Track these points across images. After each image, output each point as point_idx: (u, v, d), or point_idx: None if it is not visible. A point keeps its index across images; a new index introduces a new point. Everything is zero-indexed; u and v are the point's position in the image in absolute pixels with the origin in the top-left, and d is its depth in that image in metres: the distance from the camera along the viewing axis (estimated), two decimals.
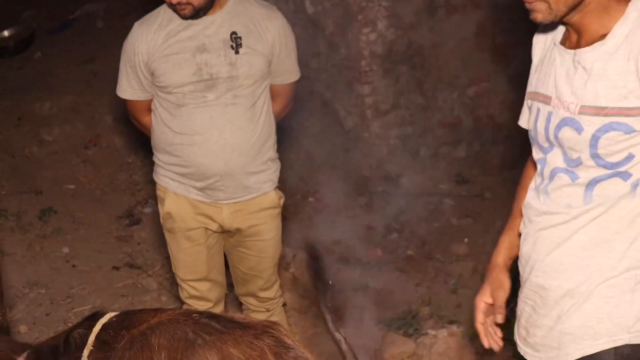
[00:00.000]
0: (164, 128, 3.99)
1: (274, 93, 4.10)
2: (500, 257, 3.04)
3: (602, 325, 2.68)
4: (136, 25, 3.99)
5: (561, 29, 2.75)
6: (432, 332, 5.00)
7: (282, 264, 5.04)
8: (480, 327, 3.02)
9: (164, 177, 4.08)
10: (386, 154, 6.92)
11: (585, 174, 2.63)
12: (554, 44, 2.73)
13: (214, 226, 4.07)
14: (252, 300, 4.42)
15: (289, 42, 4.06)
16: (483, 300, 3.02)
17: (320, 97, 7.12)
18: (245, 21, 3.92)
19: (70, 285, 5.91)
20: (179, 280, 4.27)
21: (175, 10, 3.85)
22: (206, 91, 3.85)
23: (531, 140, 2.84)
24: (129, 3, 9.11)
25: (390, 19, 6.66)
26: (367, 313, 5.19)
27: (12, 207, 6.72)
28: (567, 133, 2.62)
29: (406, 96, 7.00)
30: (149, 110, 4.07)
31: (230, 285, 4.45)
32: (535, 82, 2.82)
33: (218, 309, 4.27)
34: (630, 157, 2.57)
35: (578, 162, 2.63)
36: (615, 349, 2.66)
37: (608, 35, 2.56)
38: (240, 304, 4.52)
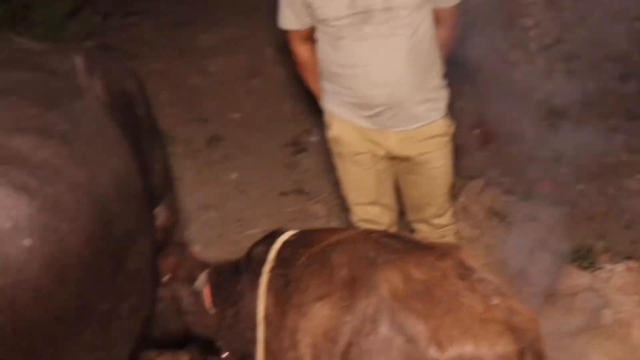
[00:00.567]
0: (327, 59, 4.00)
1: (436, 19, 4.03)
2: None
3: None
4: None
5: None
6: (608, 266, 4.89)
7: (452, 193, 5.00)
8: None
9: (331, 104, 4.11)
10: (552, 88, 6.75)
11: None
12: None
13: (381, 152, 4.08)
14: (424, 227, 4.41)
15: None
16: None
17: (482, 30, 6.97)
18: None
19: (240, 209, 6.04)
20: (349, 204, 4.32)
21: None
22: (362, 24, 3.82)
23: None
24: None
25: None
26: (539, 245, 5.12)
27: (181, 134, 6.84)
28: None
29: (571, 29, 6.78)
30: (308, 40, 4.09)
31: (401, 213, 4.46)
32: None
33: None
34: None
35: None
36: None
37: None
38: (412, 231, 4.52)
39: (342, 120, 4.07)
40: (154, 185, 3.53)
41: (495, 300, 2.77)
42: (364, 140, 4.06)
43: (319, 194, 6.04)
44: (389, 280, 2.84)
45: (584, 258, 5.03)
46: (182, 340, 4.02)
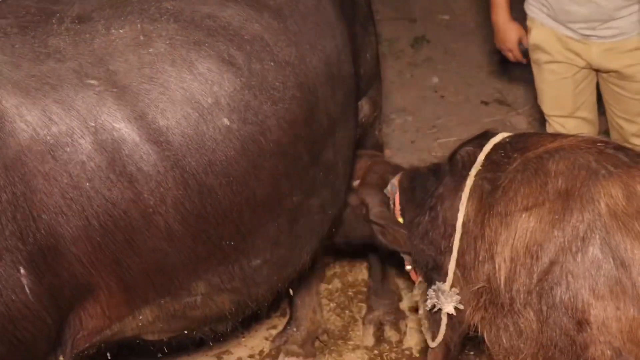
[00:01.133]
0: None
1: None
2: None
3: None
4: None
5: None
6: None
7: None
8: None
9: (532, 7, 3.90)
10: None
11: None
12: None
13: (580, 63, 3.84)
14: None
15: None
16: None
17: None
18: None
19: (437, 116, 5.83)
20: (545, 116, 4.09)
21: None
22: None
23: None
24: None
25: None
26: None
27: (386, 33, 6.65)
28: None
29: None
30: None
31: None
32: None
33: None
34: None
35: None
36: None
37: None
38: None
39: (542, 26, 3.89)
40: (362, 75, 3.31)
41: None
42: (563, 49, 3.85)
43: (521, 105, 5.72)
44: (609, 194, 2.54)
45: None
46: (362, 249, 3.89)
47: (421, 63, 6.42)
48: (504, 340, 2.66)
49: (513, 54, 3.98)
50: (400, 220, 3.17)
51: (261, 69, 2.54)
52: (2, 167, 2.23)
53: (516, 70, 6.00)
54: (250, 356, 3.93)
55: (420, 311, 3.06)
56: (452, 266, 2.80)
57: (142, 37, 2.44)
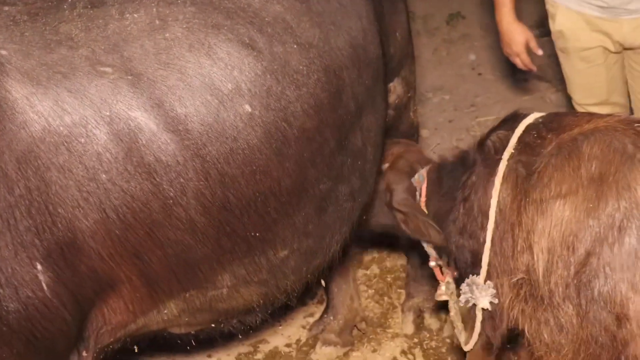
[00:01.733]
0: None
1: None
2: None
3: None
4: None
5: None
6: None
7: None
8: None
9: None
10: None
11: None
12: None
13: (611, 46, 3.61)
14: None
15: None
16: None
17: None
18: None
19: (475, 94, 5.68)
20: (575, 105, 3.89)
21: None
22: None
23: None
24: None
25: None
26: None
27: (420, 10, 6.52)
28: None
29: None
30: None
31: None
32: None
33: None
34: None
35: None
36: None
37: None
38: None
39: (567, 10, 3.62)
40: (391, 55, 3.17)
41: None
42: (593, 32, 3.61)
43: (562, 81, 5.48)
44: None
45: None
46: (394, 239, 3.76)
47: (457, 40, 6.28)
48: (545, 336, 2.53)
49: (521, 59, 3.66)
50: (425, 211, 3.03)
51: (283, 52, 2.43)
52: (14, 160, 2.15)
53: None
54: (287, 345, 3.87)
55: (452, 312, 2.92)
56: (485, 257, 2.66)
57: (157, 22, 2.34)
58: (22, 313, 2.18)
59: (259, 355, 3.82)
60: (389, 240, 4.00)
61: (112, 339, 2.55)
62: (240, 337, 3.51)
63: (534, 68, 3.69)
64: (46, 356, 2.30)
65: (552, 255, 2.47)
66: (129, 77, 2.27)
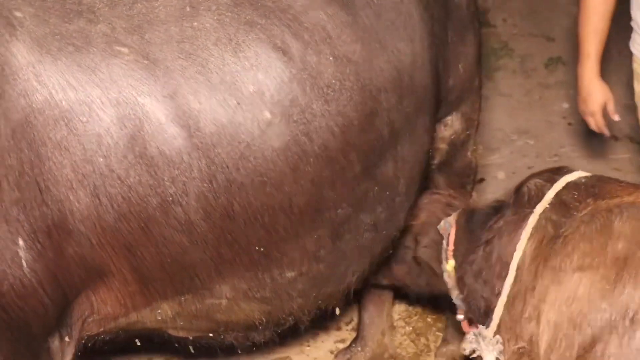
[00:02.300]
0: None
1: None
2: None
3: None
4: None
5: None
6: None
7: None
8: None
9: None
10: None
11: None
12: None
13: None
14: None
15: None
16: None
17: None
18: None
19: (561, 144, 5.45)
20: None
21: None
22: None
23: None
24: None
25: None
26: None
27: (520, 49, 6.38)
28: None
29: None
30: None
31: None
32: None
33: None
34: None
35: None
36: None
37: None
38: None
39: None
40: (450, 87, 3.00)
41: None
42: None
43: None
44: None
45: None
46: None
47: (553, 85, 6.06)
48: None
49: (595, 120, 3.32)
50: (452, 262, 2.82)
51: (317, 62, 2.28)
52: (9, 128, 2.07)
53: None
54: None
55: None
56: (498, 311, 2.48)
57: (188, 8, 2.23)
58: None
59: None
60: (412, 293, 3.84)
61: (101, 329, 2.46)
62: (269, 348, 3.43)
63: (607, 132, 3.36)
64: (18, 333, 2.21)
65: (558, 332, 2.30)
66: (145, 62, 2.16)
